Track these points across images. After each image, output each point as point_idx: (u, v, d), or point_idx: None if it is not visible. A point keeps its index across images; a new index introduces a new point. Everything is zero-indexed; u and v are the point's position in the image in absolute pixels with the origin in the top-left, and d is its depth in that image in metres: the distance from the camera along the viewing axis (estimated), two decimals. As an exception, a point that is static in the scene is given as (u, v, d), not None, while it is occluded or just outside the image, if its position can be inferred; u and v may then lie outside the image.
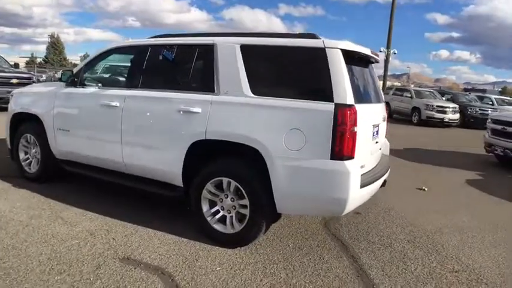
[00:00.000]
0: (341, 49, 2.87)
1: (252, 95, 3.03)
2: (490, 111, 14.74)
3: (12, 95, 4.84)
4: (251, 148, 2.96)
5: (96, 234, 3.29)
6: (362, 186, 2.88)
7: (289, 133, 2.84)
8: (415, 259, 3.27)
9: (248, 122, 2.97)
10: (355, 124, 2.78)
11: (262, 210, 3.04)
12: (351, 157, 2.80)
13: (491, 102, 17.51)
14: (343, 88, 2.78)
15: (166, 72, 3.59)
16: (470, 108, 16.11)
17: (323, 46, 2.89)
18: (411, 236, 3.77)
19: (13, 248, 2.95)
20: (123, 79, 4.07)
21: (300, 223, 3.84)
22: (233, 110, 3.06)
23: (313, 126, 2.80)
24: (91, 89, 3.97)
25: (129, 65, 3.93)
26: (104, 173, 3.98)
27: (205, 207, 3.26)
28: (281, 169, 2.87)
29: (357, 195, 2.85)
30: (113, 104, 3.66)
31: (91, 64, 4.15)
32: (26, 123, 4.57)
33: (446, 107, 15.45)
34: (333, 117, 2.74)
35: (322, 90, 2.83)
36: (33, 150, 4.56)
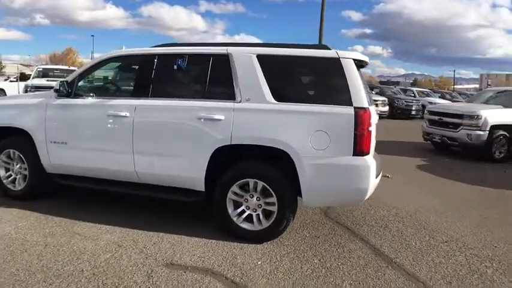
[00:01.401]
0: (353, 58, 3.28)
1: (275, 101, 3.30)
2: (413, 103, 16.63)
3: None
4: (278, 150, 3.24)
5: (124, 246, 3.30)
6: (376, 176, 3.34)
7: (315, 135, 3.18)
8: (411, 235, 3.83)
9: (275, 127, 3.24)
10: (370, 124, 3.22)
11: (289, 205, 3.34)
12: (368, 153, 3.24)
13: (413, 95, 19.69)
14: (359, 93, 3.20)
15: (180, 81, 3.69)
16: (397, 101, 17.98)
17: (337, 56, 3.27)
18: (398, 217, 4.36)
19: (49, 269, 2.87)
20: (128, 88, 4.03)
21: (304, 216, 4.19)
22: (258, 115, 3.30)
23: (337, 127, 3.17)
24: (91, 100, 3.87)
25: (134, 74, 3.92)
26: (106, 184, 3.93)
27: (230, 208, 3.46)
28: (309, 167, 3.20)
29: (373, 185, 3.30)
30: (122, 114, 3.64)
31: (86, 74, 4.03)
32: (8, 138, 4.26)
33: (377, 100, 17.04)
34: (353, 119, 3.14)
35: (341, 95, 3.21)
36: (17, 166, 4.28)
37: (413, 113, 17.59)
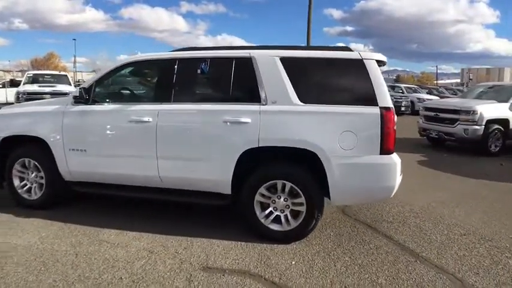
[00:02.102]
0: (375, 59, 3.36)
1: (301, 103, 3.36)
2: (402, 99, 16.94)
3: None
4: (307, 151, 3.30)
5: (156, 252, 3.30)
6: (400, 174, 3.44)
7: (342, 135, 3.25)
8: (430, 230, 3.95)
9: (303, 128, 3.30)
10: (395, 123, 3.31)
11: (318, 205, 3.40)
12: (394, 151, 3.33)
13: (401, 91, 20.06)
14: (383, 93, 3.28)
15: (202, 85, 3.71)
16: (386, 97, 18.15)
17: (360, 57, 3.35)
18: (414, 212, 4.48)
19: (87, 278, 2.85)
20: (148, 94, 4.02)
21: (323, 214, 4.26)
22: (286, 117, 3.34)
23: (364, 127, 3.25)
24: (111, 106, 3.85)
25: (154, 79, 3.91)
26: (126, 190, 3.92)
27: (258, 210, 3.50)
28: (337, 167, 3.26)
29: (398, 182, 3.40)
30: (145, 119, 3.63)
31: (103, 80, 4.00)
32: (22, 147, 4.19)
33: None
34: (379, 119, 3.22)
35: (366, 95, 3.29)
36: (33, 175, 4.21)
37: (402, 109, 17.89)
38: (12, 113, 4.41)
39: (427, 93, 20.19)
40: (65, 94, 11.36)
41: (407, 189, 5.41)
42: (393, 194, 3.40)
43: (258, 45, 3.74)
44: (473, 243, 3.67)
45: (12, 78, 17.83)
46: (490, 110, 7.87)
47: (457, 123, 7.97)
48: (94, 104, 3.90)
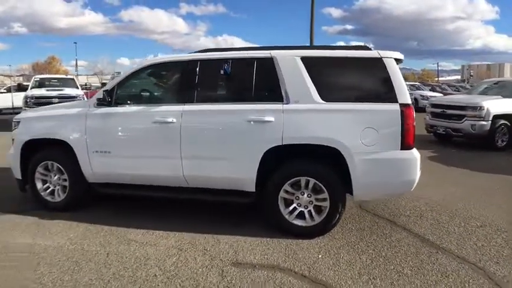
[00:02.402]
0: (394, 58, 3.45)
1: (322, 101, 3.45)
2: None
3: (18, 121, 4.44)
4: (330, 148, 3.38)
5: (185, 249, 3.38)
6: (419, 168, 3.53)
7: (364, 131, 3.34)
8: (448, 223, 4.04)
9: (326, 126, 3.39)
10: (414, 119, 3.40)
11: (341, 200, 3.49)
12: (413, 146, 3.42)
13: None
14: (403, 90, 3.38)
15: (225, 85, 3.79)
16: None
17: (379, 56, 3.44)
18: (429, 206, 4.57)
19: (121, 276, 2.93)
20: (171, 95, 4.10)
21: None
22: (308, 116, 3.43)
23: (385, 124, 3.34)
24: (134, 107, 3.93)
25: (176, 80, 4.00)
26: (150, 190, 4.00)
27: (282, 206, 3.58)
28: (359, 163, 3.35)
29: (418, 176, 3.49)
30: (169, 120, 3.72)
31: (125, 82, 4.07)
32: (45, 150, 4.27)
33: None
34: (400, 115, 3.31)
35: (386, 93, 3.38)
36: (55, 178, 4.29)
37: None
38: (35, 117, 4.49)
39: (430, 90, 20.28)
40: (72, 97, 11.44)
41: (420, 184, 5.41)
42: (413, 188, 3.49)
43: (275, 45, 3.82)
44: (490, 234, 3.76)
45: (19, 82, 17.90)
46: (496, 105, 7.97)
47: (464, 119, 8.07)
48: (117, 106, 3.97)
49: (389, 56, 3.44)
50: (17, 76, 46.10)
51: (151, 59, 4.05)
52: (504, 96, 8.31)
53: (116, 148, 3.96)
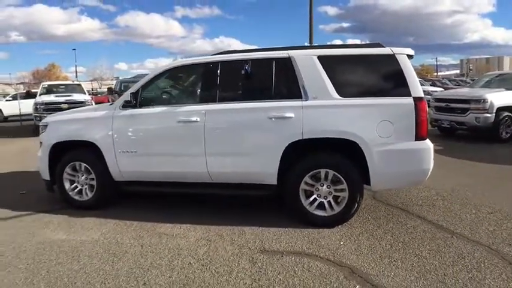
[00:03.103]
0: (406, 54, 3.66)
1: (339, 97, 3.65)
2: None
3: (46, 124, 4.64)
4: (348, 141, 3.59)
5: (213, 240, 3.59)
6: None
7: (380, 124, 3.54)
8: (459, 210, 4.24)
9: (344, 120, 3.59)
10: (427, 112, 3.60)
11: (359, 190, 3.69)
12: (427, 137, 3.62)
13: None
14: (416, 84, 3.58)
15: (245, 85, 3.98)
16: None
17: (392, 53, 3.64)
18: (440, 196, 4.77)
19: (159, 265, 3.13)
20: (193, 95, 4.31)
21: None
22: (327, 111, 3.64)
23: (399, 116, 3.55)
24: (159, 108, 4.14)
25: (198, 81, 4.21)
26: (175, 187, 4.21)
27: (303, 198, 3.78)
28: (376, 154, 3.56)
29: (432, 165, 3.69)
30: (193, 119, 3.92)
31: (149, 84, 4.28)
32: (73, 152, 4.48)
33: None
34: (414, 108, 3.51)
35: (400, 87, 3.58)
36: (83, 178, 4.49)
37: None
38: (62, 120, 4.70)
39: (431, 85, 20.48)
40: (80, 103, 11.66)
41: (430, 175, 5.69)
42: (427, 177, 3.69)
43: (292, 46, 4.02)
44: (501, 220, 3.95)
45: (28, 90, 18.22)
46: (500, 97, 8.17)
47: (468, 112, 8.27)
48: (141, 108, 4.18)
49: (402, 52, 3.65)
50: (17, 84, 46.39)
51: (173, 62, 4.26)
52: (507, 89, 8.50)
53: (141, 147, 4.16)
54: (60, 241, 3.68)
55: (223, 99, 3.94)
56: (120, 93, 13.53)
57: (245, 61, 3.91)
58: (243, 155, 3.86)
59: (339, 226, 3.79)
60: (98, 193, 4.44)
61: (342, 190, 3.71)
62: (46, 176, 4.64)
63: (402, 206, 4.40)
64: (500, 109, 8.05)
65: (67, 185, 4.54)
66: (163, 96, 4.42)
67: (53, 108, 11.31)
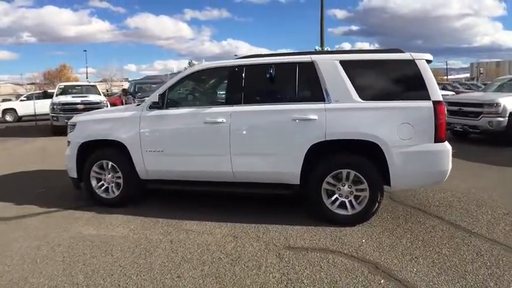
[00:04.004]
0: (425, 59, 3.79)
1: (361, 100, 3.79)
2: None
3: (74, 124, 4.82)
4: (369, 142, 3.72)
5: (239, 237, 3.73)
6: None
7: (400, 127, 3.67)
8: (475, 211, 4.34)
9: (365, 122, 3.73)
10: (445, 115, 3.73)
11: (380, 190, 3.82)
12: (445, 139, 3.75)
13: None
14: (435, 88, 3.71)
15: (270, 87, 4.13)
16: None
17: (412, 58, 3.78)
18: (456, 197, 4.87)
19: (190, 259, 3.29)
20: (219, 97, 4.47)
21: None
22: (349, 113, 3.78)
23: (419, 119, 3.68)
24: (186, 109, 4.31)
25: (224, 84, 4.37)
26: (200, 185, 4.36)
27: (325, 197, 3.92)
28: (397, 155, 3.69)
29: (450, 166, 3.81)
30: (219, 120, 4.07)
31: (175, 86, 4.45)
32: (100, 151, 4.65)
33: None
34: (433, 111, 3.64)
35: (419, 91, 3.71)
36: (109, 176, 4.66)
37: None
38: (90, 120, 4.89)
39: (442, 88, 20.46)
40: (96, 103, 11.90)
41: (445, 177, 5.82)
42: (446, 178, 3.81)
43: (314, 50, 4.16)
44: (516, 220, 4.06)
45: (45, 90, 18.67)
46: (512, 102, 8.22)
47: (481, 116, 8.34)
48: (168, 109, 4.35)
49: (421, 58, 3.78)
50: (28, 84, 47.10)
51: (199, 65, 4.42)
52: (520, 93, 8.57)
53: (168, 147, 4.33)
54: (91, 236, 3.84)
55: (248, 101, 4.09)
56: (134, 94, 13.78)
57: (269, 65, 4.06)
58: (267, 155, 4.01)
59: (360, 225, 3.92)
60: (124, 191, 4.61)
61: (362, 190, 3.84)
62: (73, 174, 4.82)
63: (419, 207, 4.52)
64: (513, 113, 8.11)
65: (94, 183, 4.71)
66: (189, 98, 4.59)
67: (69, 108, 11.56)
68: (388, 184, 3.85)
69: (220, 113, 4.11)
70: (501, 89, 9.55)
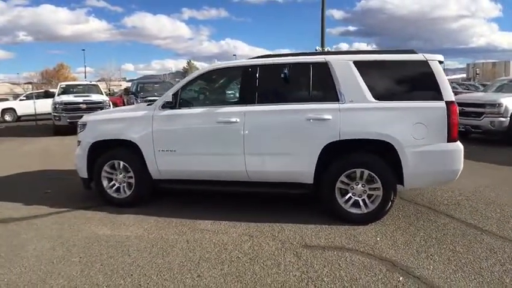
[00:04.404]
0: (438, 60, 3.84)
1: (375, 100, 3.83)
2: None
3: (84, 123, 4.82)
4: (383, 142, 3.77)
5: (255, 236, 3.76)
6: (463, 159, 3.91)
7: (414, 127, 3.72)
8: (484, 210, 4.41)
9: (380, 122, 3.77)
10: (458, 115, 3.79)
11: (393, 189, 3.87)
12: (457, 139, 3.80)
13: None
14: (448, 89, 3.77)
15: (284, 87, 4.16)
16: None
17: (425, 59, 3.83)
18: (464, 196, 4.94)
19: (208, 259, 3.31)
20: (232, 97, 4.50)
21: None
22: (363, 113, 3.82)
23: (433, 119, 3.73)
24: (199, 109, 4.33)
25: (237, 83, 4.40)
26: (213, 185, 4.39)
27: (338, 196, 3.96)
28: (410, 155, 3.73)
29: (462, 165, 3.86)
30: (233, 120, 4.10)
31: (188, 86, 4.47)
32: (112, 150, 4.66)
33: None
34: (446, 111, 3.69)
35: (432, 92, 3.77)
36: (121, 176, 4.67)
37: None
38: (101, 120, 4.89)
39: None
40: (98, 103, 11.87)
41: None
42: (457, 176, 3.87)
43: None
44: (524, 219, 4.12)
45: (46, 89, 18.60)
46: (514, 102, 8.32)
47: (483, 116, 8.44)
48: (181, 108, 4.36)
49: (434, 59, 3.83)
50: (25, 84, 46.78)
51: (212, 65, 4.45)
52: (521, 94, 8.68)
53: (181, 147, 4.34)
54: (106, 236, 3.85)
55: (262, 101, 4.12)
56: (136, 94, 13.75)
57: (283, 65, 4.09)
58: (281, 155, 4.04)
59: (373, 223, 3.97)
60: (135, 191, 4.61)
61: (376, 189, 3.89)
62: (84, 174, 4.82)
63: (429, 205, 4.57)
64: (515, 113, 8.21)
65: (105, 183, 4.71)
66: (202, 98, 4.61)
67: (71, 108, 11.52)
68: (401, 183, 3.90)
69: (234, 112, 4.13)
70: (501, 89, 9.67)
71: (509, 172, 6.28)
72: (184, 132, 4.36)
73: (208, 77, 4.59)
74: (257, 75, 4.15)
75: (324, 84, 4.01)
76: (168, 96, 4.33)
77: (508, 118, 8.17)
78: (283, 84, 4.13)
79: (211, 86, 4.86)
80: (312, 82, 4.02)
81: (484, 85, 17.61)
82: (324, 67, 3.99)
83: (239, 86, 4.39)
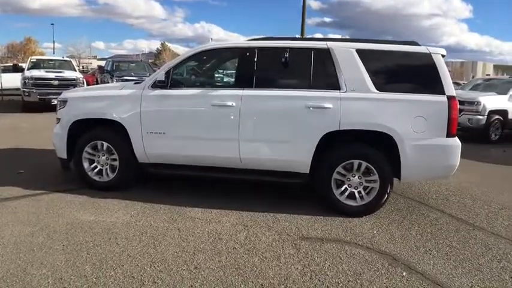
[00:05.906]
0: (441, 54, 3.79)
1: (377, 91, 3.74)
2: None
3: (65, 100, 4.46)
4: (383, 134, 3.70)
5: (250, 226, 3.62)
6: (459, 154, 3.92)
7: (414, 119, 3.67)
8: (472, 205, 4.48)
9: (380, 113, 3.69)
10: (458, 110, 3.77)
11: (390, 181, 3.83)
12: (456, 134, 3.79)
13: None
14: (449, 83, 3.73)
15: (283, 72, 3.99)
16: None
17: (429, 52, 3.77)
18: (450, 191, 5.01)
19: (204, 249, 3.14)
20: (228, 79, 4.27)
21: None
22: (364, 104, 3.72)
23: (433, 113, 3.69)
24: (193, 90, 4.09)
25: (233, 66, 4.17)
26: (202, 170, 4.19)
27: (334, 187, 3.88)
28: (409, 148, 3.69)
29: (459, 161, 3.87)
30: (228, 103, 3.89)
31: (180, 65, 4.20)
32: (94, 130, 4.34)
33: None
34: (447, 106, 3.66)
35: (434, 85, 3.72)
36: (104, 157, 4.38)
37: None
38: (84, 97, 4.54)
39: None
40: (71, 80, 11.21)
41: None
42: (454, 171, 3.88)
43: (328, 37, 4.06)
44: (512, 215, 4.22)
45: (15, 63, 17.31)
46: (491, 101, 8.59)
47: (461, 113, 8.63)
48: (172, 89, 4.10)
49: (437, 52, 3.78)
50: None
51: (207, 44, 4.19)
52: (498, 93, 8.95)
53: (171, 129, 4.10)
54: (89, 222, 3.59)
55: (259, 85, 3.93)
56: (111, 72, 13.10)
57: (284, 48, 3.91)
58: (277, 142, 3.89)
59: (367, 216, 3.92)
60: (119, 174, 4.34)
61: (372, 181, 3.83)
62: (63, 154, 4.48)
63: (419, 199, 4.60)
64: (492, 112, 8.48)
65: (86, 165, 4.41)
66: (195, 79, 4.36)
67: (42, 84, 10.82)
68: (398, 176, 3.87)
69: (230, 96, 3.93)
70: (477, 88, 9.96)
71: (488, 169, 6.47)
72: (176, 114, 4.11)
73: (203, 57, 4.33)
74: (256, 57, 3.95)
75: (325, 72, 3.88)
76: (160, 74, 4.04)
77: (485, 117, 8.42)
78: (282, 69, 3.96)
79: (206, 67, 4.61)
80: (312, 68, 3.87)
81: (456, 83, 18.17)
82: (326, 53, 3.85)
83: (236, 68, 4.17)
